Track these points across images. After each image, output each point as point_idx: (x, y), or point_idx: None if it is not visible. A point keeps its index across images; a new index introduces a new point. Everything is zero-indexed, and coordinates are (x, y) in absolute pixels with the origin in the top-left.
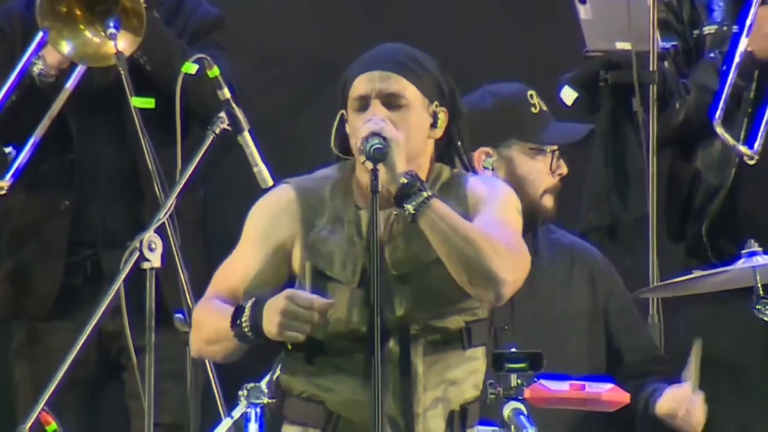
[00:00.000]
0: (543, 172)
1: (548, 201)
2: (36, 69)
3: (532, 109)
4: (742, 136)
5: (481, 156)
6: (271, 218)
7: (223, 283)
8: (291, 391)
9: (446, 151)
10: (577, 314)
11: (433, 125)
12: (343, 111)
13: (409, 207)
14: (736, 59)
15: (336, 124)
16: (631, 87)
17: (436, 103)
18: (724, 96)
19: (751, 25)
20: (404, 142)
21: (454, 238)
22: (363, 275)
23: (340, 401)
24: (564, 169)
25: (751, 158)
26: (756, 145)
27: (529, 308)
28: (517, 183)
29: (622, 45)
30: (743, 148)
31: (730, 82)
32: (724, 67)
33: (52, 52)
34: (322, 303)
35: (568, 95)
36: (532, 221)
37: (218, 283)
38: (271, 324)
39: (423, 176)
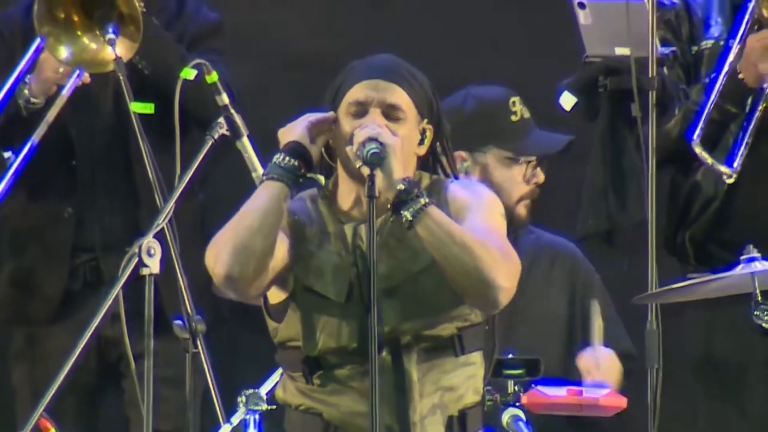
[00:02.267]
0: (517, 180)
1: (522, 209)
2: (23, 95)
3: (512, 117)
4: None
5: (455, 160)
6: None
7: None
8: (288, 404)
9: (431, 166)
10: (557, 313)
11: (421, 142)
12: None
13: (407, 214)
14: (721, 78)
15: None
16: (630, 93)
17: (425, 120)
18: (704, 114)
19: (743, 36)
20: (400, 149)
21: (452, 245)
22: (350, 291)
23: (337, 413)
24: (540, 178)
25: (729, 176)
26: (735, 164)
27: (510, 308)
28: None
29: (622, 50)
30: (722, 168)
31: (713, 99)
32: (708, 80)
33: (39, 79)
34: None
35: (567, 101)
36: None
37: None
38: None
39: None
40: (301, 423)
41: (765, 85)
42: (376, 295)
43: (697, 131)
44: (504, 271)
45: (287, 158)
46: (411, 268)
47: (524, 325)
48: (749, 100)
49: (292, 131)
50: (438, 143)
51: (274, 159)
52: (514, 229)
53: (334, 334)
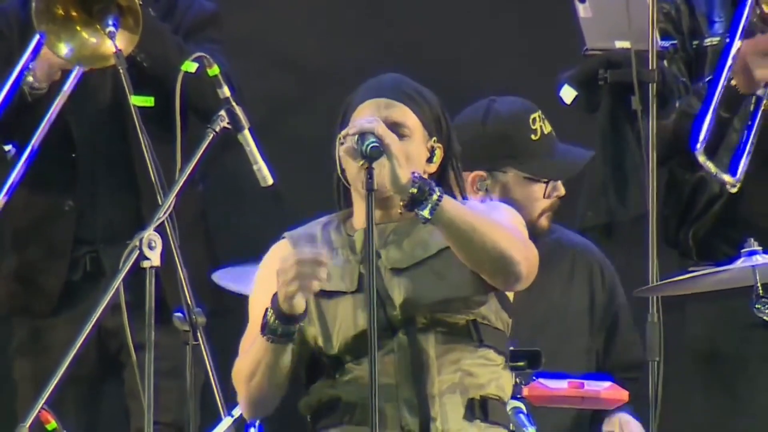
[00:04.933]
0: (538, 197)
1: (544, 221)
2: (27, 81)
3: (532, 136)
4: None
5: (475, 179)
6: (272, 268)
7: (248, 341)
8: (309, 407)
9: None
10: (577, 315)
11: (429, 160)
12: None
13: (425, 213)
14: (719, 88)
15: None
16: (631, 85)
17: (434, 138)
18: (705, 124)
19: (743, 35)
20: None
21: (471, 233)
22: (360, 280)
23: (355, 393)
24: (561, 191)
25: (734, 185)
26: (738, 173)
27: (530, 310)
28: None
29: (622, 43)
30: (726, 177)
31: (714, 105)
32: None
33: (43, 65)
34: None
35: (568, 94)
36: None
37: (245, 344)
38: (279, 295)
39: None
40: (323, 416)
41: (759, 92)
42: (384, 277)
43: (700, 140)
44: (521, 250)
45: (281, 327)
46: (419, 255)
47: (545, 326)
48: (743, 106)
49: (283, 294)
50: (448, 164)
51: (269, 320)
52: (536, 237)
53: (351, 324)
